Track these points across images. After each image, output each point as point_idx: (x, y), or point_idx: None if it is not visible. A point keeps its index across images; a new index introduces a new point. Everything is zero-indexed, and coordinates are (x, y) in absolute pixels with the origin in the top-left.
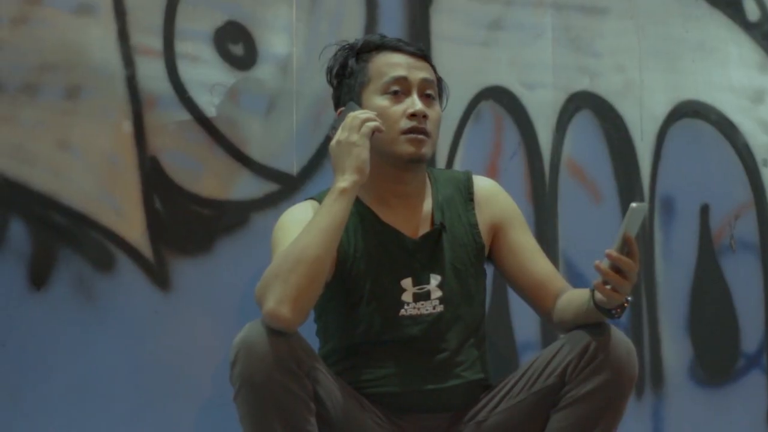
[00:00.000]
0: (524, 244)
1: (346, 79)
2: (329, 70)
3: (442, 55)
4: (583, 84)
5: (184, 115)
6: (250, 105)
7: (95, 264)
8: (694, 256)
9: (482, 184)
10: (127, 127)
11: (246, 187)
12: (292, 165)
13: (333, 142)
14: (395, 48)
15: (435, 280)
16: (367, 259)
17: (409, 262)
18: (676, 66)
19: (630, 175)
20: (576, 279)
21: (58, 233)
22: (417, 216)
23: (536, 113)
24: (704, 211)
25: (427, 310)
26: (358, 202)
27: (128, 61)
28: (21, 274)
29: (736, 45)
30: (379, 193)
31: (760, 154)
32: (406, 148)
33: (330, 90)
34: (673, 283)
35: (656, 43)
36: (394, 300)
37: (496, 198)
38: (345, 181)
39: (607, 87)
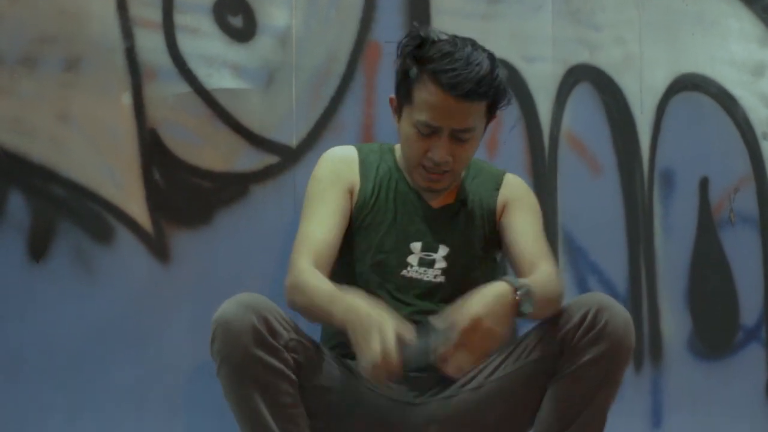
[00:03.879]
0: (523, 226)
1: (402, 79)
2: (400, 48)
3: (442, 28)
4: (583, 57)
5: (184, 88)
6: (249, 77)
7: (94, 236)
8: (694, 229)
9: (511, 176)
10: (127, 99)
11: (245, 159)
12: (292, 137)
13: (363, 315)
14: (443, 85)
15: (443, 250)
16: (384, 214)
17: (422, 227)
18: (676, 39)
19: (629, 148)
20: (575, 252)
21: (58, 205)
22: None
23: (536, 86)
24: (704, 184)
25: (428, 277)
26: (393, 162)
27: (127, 33)
28: (20, 246)
29: (737, 19)
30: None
31: (759, 128)
32: (421, 181)
33: (331, 64)
34: (673, 256)
35: (656, 16)
36: (400, 259)
37: (518, 187)
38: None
39: (607, 60)
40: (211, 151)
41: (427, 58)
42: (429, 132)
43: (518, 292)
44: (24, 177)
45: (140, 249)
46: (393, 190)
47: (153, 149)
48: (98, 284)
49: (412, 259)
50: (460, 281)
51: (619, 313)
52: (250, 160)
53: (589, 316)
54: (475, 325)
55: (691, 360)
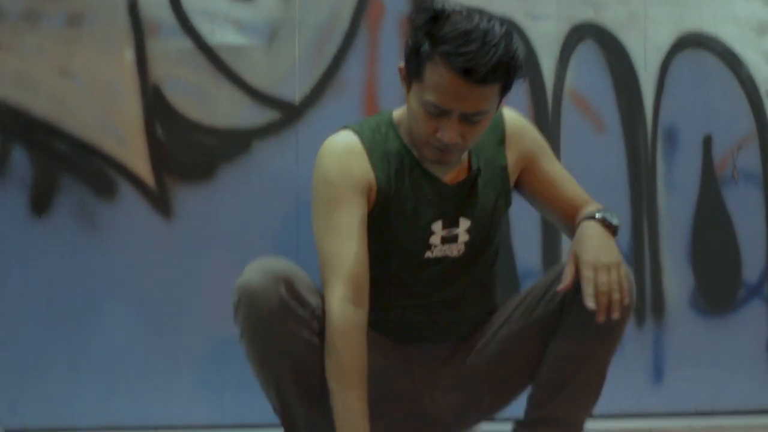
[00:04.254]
0: (554, 174)
1: (413, 53)
2: (411, 21)
3: None
4: (587, 15)
5: (186, 44)
6: (252, 34)
7: (97, 191)
8: (697, 186)
9: (511, 121)
10: (129, 55)
11: (248, 115)
12: (294, 94)
13: None
14: (456, 69)
15: (464, 224)
16: (403, 200)
17: (442, 206)
18: None
19: (633, 106)
20: None
21: (60, 160)
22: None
23: (540, 44)
24: (707, 142)
25: (452, 252)
26: (399, 142)
27: None
28: (23, 201)
29: None
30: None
31: (763, 86)
32: (429, 154)
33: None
34: (676, 214)
35: None
36: (422, 241)
37: (524, 133)
38: None
39: (611, 18)
40: (213, 107)
41: (440, 38)
42: (438, 113)
43: (597, 215)
44: (27, 132)
45: (142, 204)
46: (407, 175)
47: (155, 105)
48: (100, 239)
49: (435, 239)
50: (482, 247)
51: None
52: (252, 116)
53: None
54: (599, 268)
55: (693, 316)
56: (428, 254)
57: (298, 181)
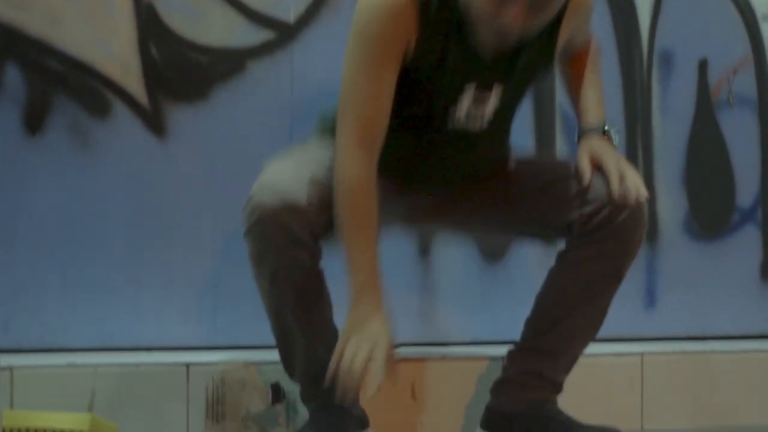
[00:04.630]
0: (583, 47)
1: None
2: None
3: None
4: None
5: None
6: None
7: (90, 110)
8: (692, 110)
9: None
10: None
11: (242, 34)
12: (289, 13)
13: (372, 318)
14: None
15: (497, 90)
16: (441, 59)
17: (480, 70)
18: None
19: (629, 28)
20: (573, 132)
21: (54, 79)
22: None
23: None
24: (703, 65)
25: (480, 115)
26: (456, 7)
27: None
28: (16, 119)
29: None
30: None
31: (760, 9)
32: (483, 33)
33: None
34: (670, 137)
35: None
36: (453, 100)
37: (583, 10)
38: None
39: None
40: (208, 25)
41: None
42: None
43: (606, 129)
44: (20, 50)
45: (136, 123)
46: (452, 41)
47: (150, 23)
48: (94, 158)
49: (467, 100)
50: (508, 114)
51: (635, 213)
52: (247, 35)
53: (605, 212)
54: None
55: (687, 241)
56: (458, 115)
57: (292, 102)
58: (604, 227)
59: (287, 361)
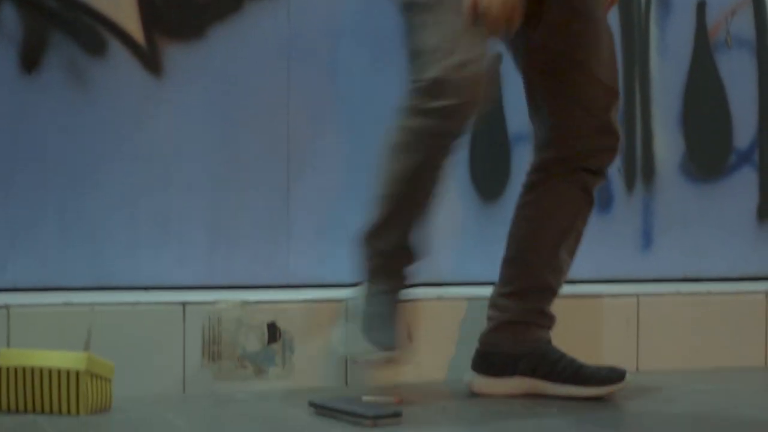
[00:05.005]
0: None
1: None
2: None
3: None
4: None
5: None
6: None
7: (87, 48)
8: (690, 52)
9: None
10: None
11: None
12: None
13: None
14: None
15: None
16: None
17: None
18: None
19: None
20: None
21: (50, 17)
22: None
23: None
24: (701, 6)
25: None
26: None
27: None
28: (12, 57)
29: None
30: None
31: None
32: None
33: None
34: (668, 78)
35: None
36: None
37: None
38: None
39: None
40: None
41: None
42: None
43: None
44: None
45: (133, 62)
46: None
47: None
48: (91, 97)
49: None
50: None
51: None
52: None
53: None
54: None
55: (683, 182)
56: None
57: (289, 41)
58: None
59: (383, 230)
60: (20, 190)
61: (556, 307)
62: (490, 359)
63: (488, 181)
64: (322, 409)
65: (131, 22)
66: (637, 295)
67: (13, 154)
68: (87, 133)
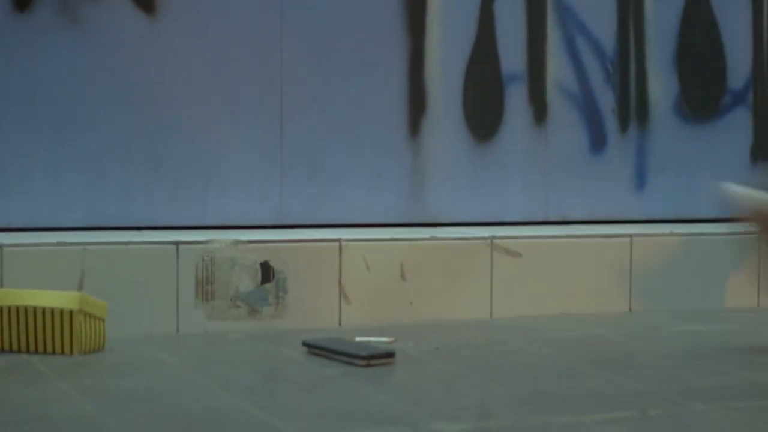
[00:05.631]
0: None
1: None
2: None
3: None
4: None
5: None
6: None
7: None
8: None
9: None
10: None
11: None
12: None
13: None
14: None
15: None
16: None
17: None
18: None
19: None
20: (564, 12)
21: None
22: None
23: None
24: None
25: None
26: None
27: None
28: None
29: None
30: None
31: None
32: None
33: None
34: (662, 18)
35: None
36: None
37: None
38: None
39: None
40: None
41: None
42: None
43: None
44: None
45: (126, 1)
46: None
47: None
48: (83, 36)
49: None
50: None
51: None
52: None
53: None
54: None
55: (677, 123)
56: None
57: None
58: None
59: None
60: (13, 131)
61: (548, 247)
62: None
63: (481, 122)
64: (316, 349)
65: None
66: (631, 236)
67: (5, 95)
68: (80, 73)
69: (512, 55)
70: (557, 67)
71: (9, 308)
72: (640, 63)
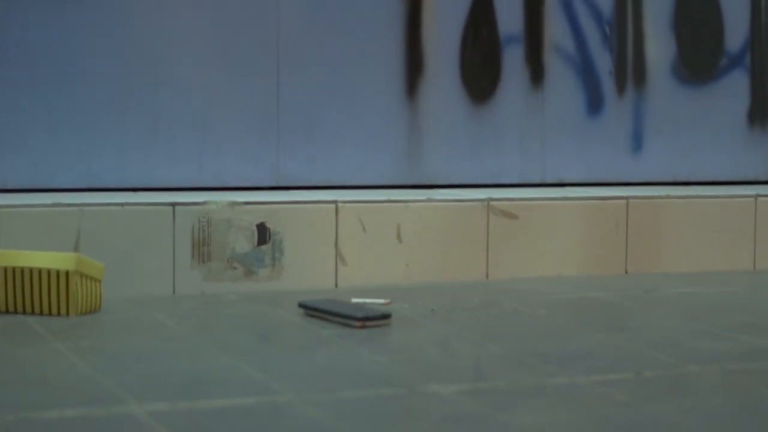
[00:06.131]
0: None
1: None
2: None
3: None
4: None
5: None
6: None
7: None
8: None
9: None
10: None
11: None
12: None
13: None
14: None
15: None
16: None
17: None
18: None
19: None
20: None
21: None
22: None
23: None
24: None
25: None
26: None
27: None
28: None
29: None
30: None
31: None
32: None
33: None
34: None
35: None
36: None
37: None
38: None
39: None
40: None
41: None
42: None
43: None
44: None
45: None
46: None
47: None
48: None
49: None
50: None
51: None
52: None
53: None
54: None
55: (674, 85)
56: None
57: None
58: None
59: None
60: (8, 91)
61: (545, 209)
62: None
63: (478, 83)
64: (312, 311)
65: None
66: (627, 198)
67: (1, 54)
68: (74, 32)
69: (510, 16)
70: (555, 29)
71: (5, 269)
72: (637, 25)
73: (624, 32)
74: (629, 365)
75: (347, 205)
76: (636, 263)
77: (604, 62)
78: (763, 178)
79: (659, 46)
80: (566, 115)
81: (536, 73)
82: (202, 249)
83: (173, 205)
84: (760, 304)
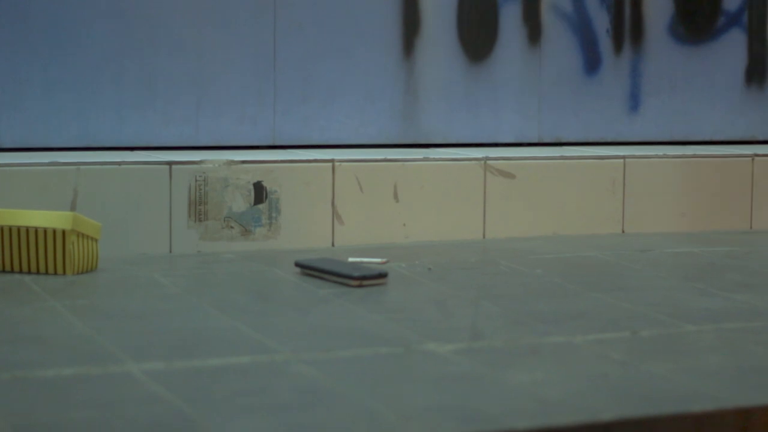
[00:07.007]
0: None
1: None
2: None
3: None
4: None
5: None
6: None
7: None
8: None
9: None
10: None
11: None
12: None
13: None
14: None
15: None
16: None
17: None
18: None
19: None
20: None
21: None
22: None
23: None
24: None
25: None
26: None
27: None
28: None
29: None
30: None
31: None
32: None
33: None
34: None
35: None
36: None
37: None
38: None
39: None
40: None
41: None
42: None
43: None
44: None
45: None
46: None
47: None
48: None
49: None
50: None
51: None
52: None
53: None
54: None
55: (672, 44)
56: None
57: None
58: None
59: None
60: (4, 51)
61: (542, 168)
62: None
63: (476, 42)
64: (308, 270)
65: None
66: (624, 158)
67: None
68: None
69: None
70: None
71: (2, 228)
72: None
73: None
74: (625, 324)
75: (344, 164)
76: (633, 223)
77: (601, 21)
78: (761, 138)
79: (657, 5)
80: (564, 75)
81: (534, 32)
82: (198, 208)
83: (170, 164)
84: (756, 264)
